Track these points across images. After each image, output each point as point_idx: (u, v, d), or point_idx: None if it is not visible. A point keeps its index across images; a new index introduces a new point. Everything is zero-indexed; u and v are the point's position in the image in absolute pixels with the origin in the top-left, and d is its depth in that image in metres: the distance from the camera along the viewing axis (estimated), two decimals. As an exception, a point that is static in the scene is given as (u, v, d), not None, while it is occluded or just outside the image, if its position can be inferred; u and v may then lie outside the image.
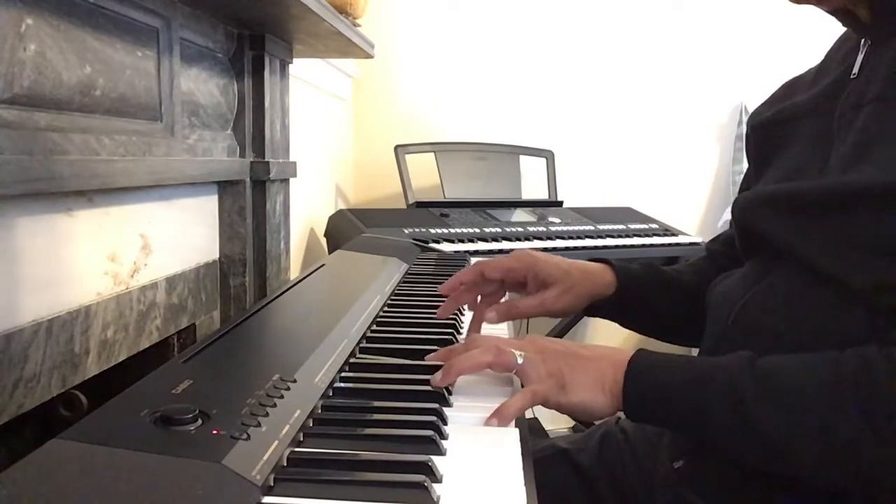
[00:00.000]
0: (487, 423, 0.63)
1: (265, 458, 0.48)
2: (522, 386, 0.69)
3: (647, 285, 0.96)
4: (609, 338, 2.63)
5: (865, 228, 0.65)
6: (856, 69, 0.74)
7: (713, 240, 1.03)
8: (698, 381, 0.65)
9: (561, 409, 0.69)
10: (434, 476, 0.50)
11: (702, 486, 0.75)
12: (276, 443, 0.50)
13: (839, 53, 0.81)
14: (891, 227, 0.63)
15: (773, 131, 0.83)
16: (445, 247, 1.79)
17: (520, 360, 0.69)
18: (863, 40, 0.75)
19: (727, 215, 2.43)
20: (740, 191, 0.96)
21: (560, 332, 2.39)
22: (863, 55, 0.74)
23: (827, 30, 0.84)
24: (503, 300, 0.93)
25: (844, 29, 0.82)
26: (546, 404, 0.68)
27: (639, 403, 0.68)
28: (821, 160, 0.74)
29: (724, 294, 0.81)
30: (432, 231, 1.92)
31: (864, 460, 0.58)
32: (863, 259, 0.65)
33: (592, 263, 0.95)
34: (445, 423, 0.61)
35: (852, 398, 0.59)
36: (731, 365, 0.65)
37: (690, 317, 0.97)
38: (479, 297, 0.92)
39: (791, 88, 0.87)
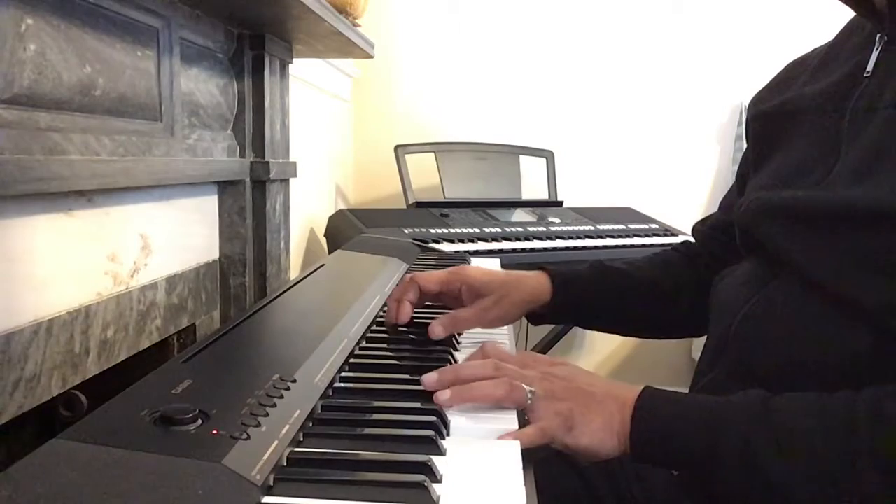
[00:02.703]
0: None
1: (265, 458, 0.48)
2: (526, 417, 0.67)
3: (590, 288, 0.95)
4: (607, 341, 2.63)
5: (879, 247, 0.62)
6: (869, 67, 0.71)
7: (701, 221, 1.01)
8: (708, 429, 0.62)
9: (567, 450, 0.66)
10: (434, 476, 0.50)
11: (700, 494, 0.75)
12: (276, 443, 0.50)
13: (849, 43, 0.78)
14: None
15: (776, 122, 0.81)
16: (445, 247, 1.79)
17: (530, 398, 0.66)
18: (878, 35, 0.72)
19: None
20: (738, 170, 0.94)
21: (554, 339, 2.39)
22: (877, 52, 0.71)
23: (828, 29, 0.84)
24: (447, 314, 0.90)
25: (850, 18, 0.79)
26: (554, 444, 0.66)
27: (645, 447, 0.65)
28: (827, 164, 0.71)
29: (725, 302, 0.79)
30: (432, 231, 1.92)
31: None
32: (875, 278, 0.62)
33: (528, 272, 0.95)
34: (445, 424, 0.61)
35: (867, 449, 0.56)
36: (743, 410, 0.62)
37: (644, 312, 0.96)
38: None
39: (794, 72, 0.84)
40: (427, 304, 0.96)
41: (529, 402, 0.66)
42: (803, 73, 0.82)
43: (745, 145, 0.91)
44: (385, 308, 0.96)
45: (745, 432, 0.60)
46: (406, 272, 1.22)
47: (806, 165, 0.74)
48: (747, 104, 0.90)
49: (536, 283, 0.93)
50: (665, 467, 0.73)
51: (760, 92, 0.88)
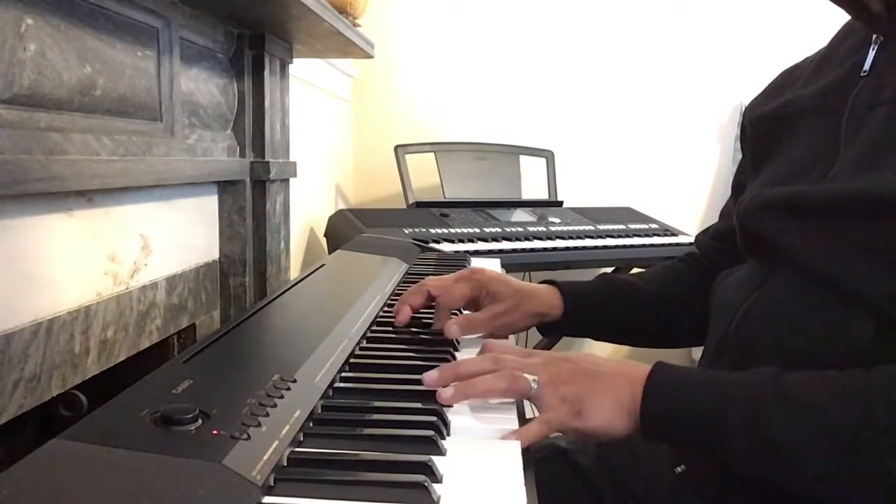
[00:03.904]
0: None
1: (265, 458, 0.48)
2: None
3: (599, 301, 0.95)
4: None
5: (882, 236, 0.62)
6: (867, 66, 0.71)
7: (703, 231, 1.01)
8: (719, 401, 0.62)
9: (580, 434, 0.66)
10: (434, 476, 0.50)
11: (702, 491, 0.75)
12: (276, 443, 0.50)
13: (844, 45, 0.78)
14: None
15: (773, 125, 0.81)
16: (445, 247, 1.79)
17: (534, 387, 0.65)
18: (874, 35, 0.72)
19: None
20: (734, 180, 0.94)
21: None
22: (874, 51, 0.72)
23: (828, 29, 0.84)
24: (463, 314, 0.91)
25: (846, 21, 0.80)
26: (564, 431, 0.65)
27: (657, 424, 0.64)
28: (826, 161, 0.72)
29: (724, 301, 0.79)
30: (432, 231, 1.92)
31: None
32: (876, 269, 0.62)
33: (540, 285, 0.95)
34: (446, 424, 0.61)
35: (882, 420, 0.56)
36: (754, 384, 0.61)
37: (655, 324, 0.96)
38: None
39: (789, 78, 0.85)
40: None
41: (534, 390, 0.65)
42: (800, 77, 0.83)
43: (740, 136, 0.92)
44: (385, 309, 0.96)
45: (756, 403, 0.60)
46: (406, 272, 1.22)
47: (806, 164, 0.74)
48: (744, 109, 0.91)
49: (546, 296, 0.93)
50: (677, 444, 0.72)
51: (756, 98, 0.89)
